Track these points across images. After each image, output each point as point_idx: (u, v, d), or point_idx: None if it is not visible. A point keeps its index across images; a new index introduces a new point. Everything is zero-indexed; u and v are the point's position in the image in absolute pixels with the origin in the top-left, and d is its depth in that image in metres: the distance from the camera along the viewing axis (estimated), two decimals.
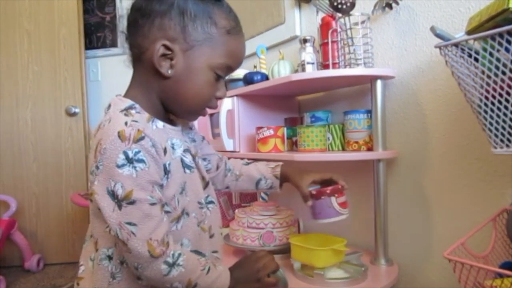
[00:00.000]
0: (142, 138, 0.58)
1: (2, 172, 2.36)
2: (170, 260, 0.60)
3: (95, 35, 2.74)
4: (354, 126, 1.07)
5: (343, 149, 1.13)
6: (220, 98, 0.71)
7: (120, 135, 0.57)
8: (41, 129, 2.45)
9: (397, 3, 1.05)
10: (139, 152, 0.58)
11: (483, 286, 0.68)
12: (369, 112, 1.06)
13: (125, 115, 0.61)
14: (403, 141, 1.08)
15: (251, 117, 1.26)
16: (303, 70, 1.10)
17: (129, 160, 0.57)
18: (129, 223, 0.57)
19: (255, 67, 1.32)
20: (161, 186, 0.62)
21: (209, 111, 0.73)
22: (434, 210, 1.02)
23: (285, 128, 1.17)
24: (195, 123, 1.34)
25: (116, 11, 2.74)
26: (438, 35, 0.68)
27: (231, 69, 0.69)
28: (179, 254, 0.61)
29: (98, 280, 0.64)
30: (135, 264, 0.59)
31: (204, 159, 0.85)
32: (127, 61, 0.69)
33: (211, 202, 0.75)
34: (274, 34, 1.50)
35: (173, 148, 0.66)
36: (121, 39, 2.77)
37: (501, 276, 0.68)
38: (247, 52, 1.75)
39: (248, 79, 1.20)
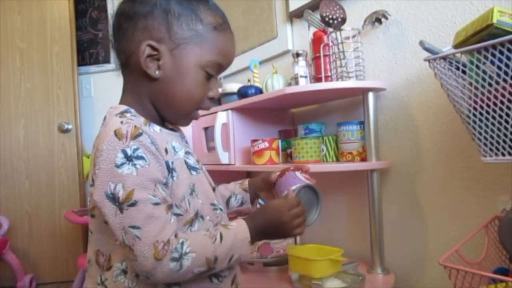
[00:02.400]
0: (140, 135, 0.56)
1: None
2: (176, 254, 0.55)
3: (88, 51, 2.75)
4: (347, 137, 1.09)
5: (337, 160, 1.14)
6: (213, 99, 0.68)
7: (117, 133, 0.55)
8: (33, 147, 2.43)
9: (386, 18, 1.09)
10: (138, 149, 0.55)
11: None
12: (361, 123, 1.09)
13: (120, 117, 0.60)
14: (396, 151, 1.11)
15: (246, 130, 1.27)
16: (297, 83, 1.13)
17: (128, 158, 0.54)
18: (133, 227, 0.54)
19: (249, 81, 1.35)
20: (165, 185, 0.59)
21: (201, 112, 0.70)
22: (428, 219, 1.04)
23: (280, 141, 1.19)
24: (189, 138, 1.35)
25: (109, 28, 2.78)
26: (426, 49, 0.71)
27: (221, 67, 0.66)
28: (182, 243, 0.57)
29: None
30: (144, 273, 0.55)
31: None
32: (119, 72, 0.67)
33: (220, 209, 0.70)
34: (267, 48, 1.53)
35: (174, 150, 0.63)
36: (114, 54, 2.79)
37: (495, 281, 0.70)
38: (241, 66, 1.78)
39: (242, 93, 1.22)
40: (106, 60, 2.76)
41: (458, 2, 0.94)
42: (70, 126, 2.47)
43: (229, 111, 1.26)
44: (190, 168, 0.65)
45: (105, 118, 0.63)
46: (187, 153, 0.67)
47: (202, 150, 1.39)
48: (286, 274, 1.06)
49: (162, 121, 0.68)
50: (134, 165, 0.55)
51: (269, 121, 1.33)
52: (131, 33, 0.62)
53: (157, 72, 0.62)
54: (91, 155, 0.62)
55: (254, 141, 1.17)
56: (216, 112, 1.27)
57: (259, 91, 1.22)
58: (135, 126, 0.57)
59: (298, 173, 0.77)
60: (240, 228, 0.63)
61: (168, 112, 0.66)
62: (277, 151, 1.17)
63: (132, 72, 0.64)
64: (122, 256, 0.59)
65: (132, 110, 0.63)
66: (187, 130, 1.46)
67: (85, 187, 2.55)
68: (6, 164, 2.38)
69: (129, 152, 0.55)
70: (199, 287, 0.63)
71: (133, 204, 0.54)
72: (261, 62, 1.48)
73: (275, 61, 1.47)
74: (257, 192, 0.83)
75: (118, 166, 0.54)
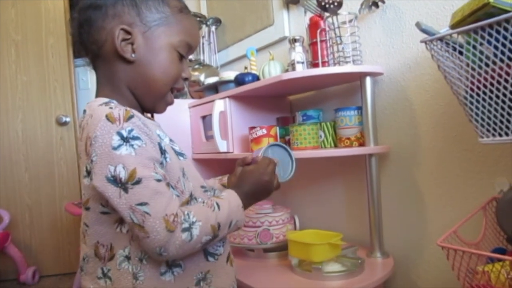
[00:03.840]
0: (132, 117, 0.57)
1: None
2: (186, 225, 0.57)
3: None
4: (345, 123, 1.09)
5: (336, 146, 1.15)
6: (187, 79, 0.71)
7: (109, 117, 0.56)
8: (32, 140, 2.44)
9: (383, 2, 1.08)
10: (132, 130, 0.56)
11: (476, 272, 0.70)
12: (359, 108, 1.08)
13: (106, 105, 0.61)
14: (394, 135, 1.11)
15: (244, 118, 1.27)
16: (294, 69, 1.12)
17: (125, 139, 0.55)
18: (141, 204, 0.54)
19: (245, 68, 1.34)
20: (161, 164, 0.61)
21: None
22: (426, 202, 1.04)
23: (278, 128, 1.19)
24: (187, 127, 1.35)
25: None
26: (423, 30, 0.70)
27: (190, 47, 0.70)
28: (188, 213, 0.58)
29: (122, 287, 0.60)
30: (157, 249, 0.55)
31: None
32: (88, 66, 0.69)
33: (209, 191, 0.74)
34: (263, 36, 1.52)
35: (159, 137, 0.65)
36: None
37: (492, 261, 0.70)
38: (237, 55, 1.78)
39: (239, 80, 1.22)
40: None
41: None
42: (68, 119, 2.47)
43: (227, 99, 1.25)
44: (177, 153, 0.67)
45: (85, 111, 0.64)
46: (171, 140, 0.69)
47: (200, 139, 1.39)
48: (286, 259, 1.07)
49: (142, 113, 0.69)
50: (132, 145, 0.56)
51: (267, 109, 1.32)
52: (101, 22, 0.64)
53: (133, 55, 0.64)
54: (79, 147, 0.61)
55: (252, 128, 1.17)
56: (213, 101, 1.27)
57: (256, 78, 1.21)
58: (126, 109, 0.58)
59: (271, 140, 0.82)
60: (231, 196, 0.67)
61: (147, 96, 0.68)
62: (275, 138, 1.17)
63: (107, 60, 0.66)
64: (124, 242, 0.61)
65: (114, 101, 0.64)
66: (185, 119, 1.46)
67: None
68: (5, 157, 2.38)
69: (125, 133, 0.56)
70: (197, 267, 0.65)
71: (138, 182, 0.55)
72: (258, 50, 1.47)
73: (272, 48, 1.46)
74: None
75: (115, 148, 0.55)
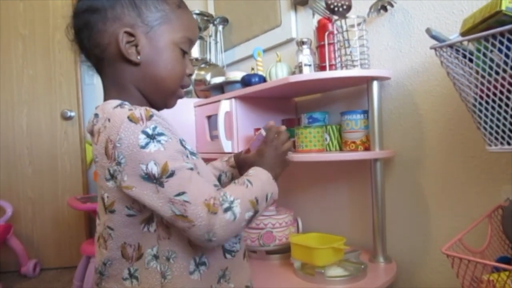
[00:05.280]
0: (152, 115, 0.58)
1: None
2: (226, 204, 0.58)
3: None
4: (351, 127, 1.09)
5: (341, 149, 1.14)
6: (190, 75, 0.72)
7: (132, 119, 0.57)
8: (36, 134, 2.45)
9: (392, 6, 1.07)
10: (156, 127, 0.57)
11: (481, 281, 0.70)
12: (365, 112, 1.08)
13: (121, 107, 0.61)
14: (400, 140, 1.11)
15: (249, 118, 1.27)
16: (300, 71, 1.12)
17: (151, 137, 0.56)
18: (179, 194, 0.56)
19: (252, 69, 1.34)
20: (187, 157, 0.62)
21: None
22: (431, 208, 1.04)
23: None
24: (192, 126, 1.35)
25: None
26: (433, 37, 0.70)
27: (191, 42, 0.71)
28: (225, 194, 0.59)
29: (150, 286, 0.61)
30: (205, 235, 0.56)
31: None
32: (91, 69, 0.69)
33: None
34: (270, 36, 1.52)
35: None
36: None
37: (498, 270, 0.70)
38: (244, 55, 1.77)
39: (246, 81, 1.22)
40: None
41: None
42: (73, 114, 2.49)
43: (233, 99, 1.25)
44: (190, 153, 0.67)
45: (96, 115, 0.63)
46: (183, 140, 0.68)
47: (205, 138, 1.39)
48: (288, 262, 1.07)
49: None
50: (159, 141, 0.57)
51: (273, 110, 1.32)
52: (102, 25, 0.63)
53: (138, 57, 0.64)
54: (95, 151, 0.61)
55: (257, 129, 1.17)
56: (219, 101, 1.27)
57: (262, 79, 1.21)
58: (146, 109, 0.58)
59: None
60: (259, 171, 0.69)
61: (157, 95, 0.68)
62: None
63: (111, 63, 0.65)
64: (152, 241, 0.61)
65: (126, 102, 0.64)
66: (190, 118, 1.46)
67: (88, 174, 2.58)
68: (9, 150, 2.40)
69: (150, 131, 0.57)
70: (217, 264, 0.66)
71: (171, 174, 0.56)
72: (265, 51, 1.46)
73: (279, 49, 1.46)
74: (242, 164, 0.85)
75: (143, 147, 0.56)
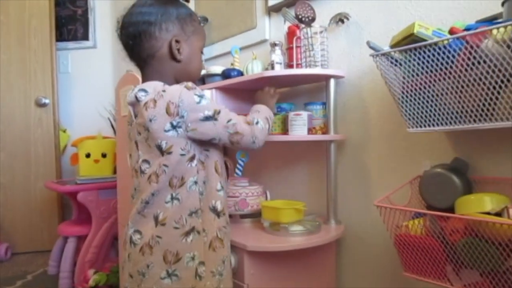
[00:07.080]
0: (195, 87, 0.85)
1: None
2: (255, 120, 0.92)
3: (66, 27, 2.74)
4: (312, 115, 1.33)
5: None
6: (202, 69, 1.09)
7: (188, 87, 0.84)
8: (9, 119, 2.44)
9: (348, 19, 1.32)
10: (201, 91, 0.85)
11: (400, 226, 0.96)
12: (324, 104, 1.32)
13: (168, 85, 0.86)
14: (350, 126, 1.36)
15: (228, 107, 1.41)
16: (273, 68, 1.34)
17: (201, 97, 0.84)
18: (228, 121, 0.86)
19: (232, 64, 1.54)
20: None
21: None
22: (373, 180, 1.30)
23: None
24: None
25: (88, 5, 2.75)
26: (371, 47, 0.95)
27: (204, 46, 1.01)
28: (251, 115, 0.96)
29: (191, 203, 0.85)
30: (251, 139, 0.89)
31: None
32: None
33: None
34: (246, 37, 1.70)
35: None
36: (92, 33, 2.81)
37: (413, 218, 0.96)
38: (222, 51, 1.96)
39: (226, 74, 1.42)
40: (85, 37, 2.77)
41: (402, 11, 1.19)
42: (47, 101, 2.48)
43: (213, 90, 1.45)
44: None
45: (145, 90, 0.86)
46: None
47: None
48: (259, 224, 1.29)
49: None
50: (206, 98, 0.84)
51: (248, 100, 1.51)
52: (158, 34, 0.90)
53: (181, 57, 0.91)
54: (150, 113, 0.82)
55: None
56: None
57: (240, 73, 1.42)
58: (191, 83, 0.85)
59: None
60: (260, 106, 1.04)
61: (187, 81, 0.92)
62: None
63: (161, 60, 0.91)
64: (193, 173, 0.86)
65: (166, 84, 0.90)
66: None
67: (62, 160, 2.58)
68: None
69: (198, 93, 0.84)
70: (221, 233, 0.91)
71: (219, 112, 0.86)
72: (241, 49, 1.65)
73: (254, 49, 1.66)
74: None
75: (198, 103, 0.83)
